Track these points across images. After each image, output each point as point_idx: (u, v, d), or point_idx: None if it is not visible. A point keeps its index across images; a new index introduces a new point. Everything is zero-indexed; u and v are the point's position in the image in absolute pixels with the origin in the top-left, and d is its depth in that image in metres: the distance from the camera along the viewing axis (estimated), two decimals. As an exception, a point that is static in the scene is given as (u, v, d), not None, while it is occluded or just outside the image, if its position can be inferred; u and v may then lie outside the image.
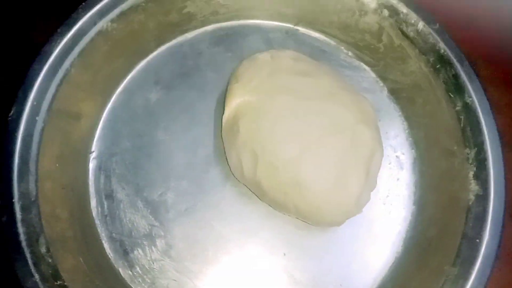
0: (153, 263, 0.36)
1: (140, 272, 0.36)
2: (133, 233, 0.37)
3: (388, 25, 0.40)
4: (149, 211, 0.38)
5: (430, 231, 0.37)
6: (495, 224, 0.33)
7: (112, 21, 0.37)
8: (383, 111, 0.42)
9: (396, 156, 0.41)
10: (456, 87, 0.37)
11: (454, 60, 0.37)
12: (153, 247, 0.37)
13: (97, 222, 0.37)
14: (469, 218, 0.34)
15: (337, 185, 0.33)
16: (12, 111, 0.33)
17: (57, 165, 0.35)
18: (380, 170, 0.36)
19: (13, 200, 0.32)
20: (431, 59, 0.38)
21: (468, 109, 0.36)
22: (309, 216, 0.35)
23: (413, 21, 0.38)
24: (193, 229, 0.37)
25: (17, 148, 0.33)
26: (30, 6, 0.46)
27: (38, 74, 0.34)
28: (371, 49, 0.42)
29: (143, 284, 0.36)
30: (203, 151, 0.39)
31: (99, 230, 0.37)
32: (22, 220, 0.31)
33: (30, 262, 0.31)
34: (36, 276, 0.31)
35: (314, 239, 0.38)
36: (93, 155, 0.39)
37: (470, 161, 0.35)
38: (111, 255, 0.37)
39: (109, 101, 0.41)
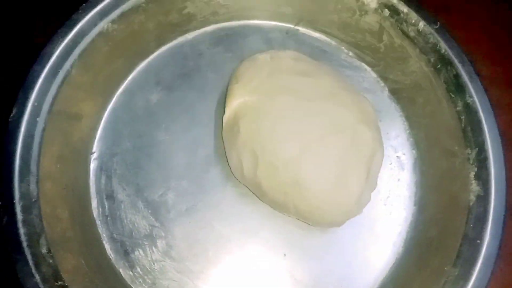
0: (153, 264, 0.36)
1: (140, 272, 0.36)
2: (133, 234, 0.37)
3: (389, 25, 0.40)
4: (149, 211, 0.38)
5: (430, 231, 0.37)
6: (496, 225, 0.33)
7: (112, 21, 0.37)
8: (383, 111, 0.42)
9: (397, 156, 0.41)
10: (457, 87, 0.37)
11: (455, 60, 0.37)
12: (153, 248, 0.37)
13: (98, 222, 0.37)
14: (470, 218, 0.34)
15: (338, 185, 0.33)
16: (13, 112, 0.33)
17: (58, 165, 0.35)
18: (381, 170, 0.36)
19: (14, 201, 0.32)
20: (432, 59, 0.38)
21: (469, 109, 0.36)
22: (309, 217, 0.35)
23: (413, 21, 0.38)
24: (193, 230, 0.37)
25: (18, 149, 0.33)
26: (30, 7, 0.46)
27: (39, 75, 0.34)
28: (371, 49, 0.42)
29: (143, 285, 0.36)
30: (204, 151, 0.39)
31: (100, 230, 0.37)
32: (23, 221, 0.32)
33: (31, 262, 0.31)
34: (37, 277, 0.31)
35: (315, 239, 0.38)
36: (94, 156, 0.39)
37: (471, 161, 0.35)
38: (112, 255, 0.37)
39: (110, 101, 0.41)
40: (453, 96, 0.37)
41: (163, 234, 0.37)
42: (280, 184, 0.34)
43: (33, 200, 0.32)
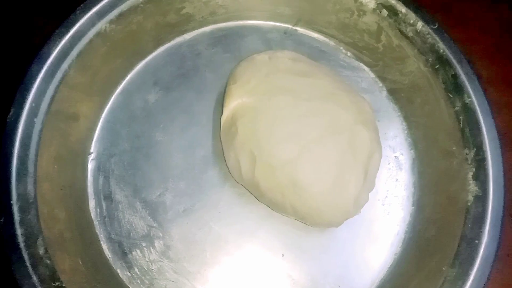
0: (151, 264, 0.36)
1: (138, 273, 0.36)
2: (131, 234, 0.37)
3: (387, 25, 0.40)
4: (147, 212, 0.38)
5: (429, 232, 0.37)
6: (494, 225, 0.33)
7: (110, 22, 0.37)
8: (382, 111, 0.42)
9: (395, 156, 0.41)
10: (455, 87, 0.37)
11: (453, 60, 0.37)
12: (151, 248, 0.37)
13: (95, 223, 0.37)
14: (468, 219, 0.34)
15: (335, 186, 0.33)
16: (10, 113, 0.33)
17: (55, 166, 0.35)
18: (379, 170, 0.36)
19: (11, 201, 0.32)
20: (430, 59, 0.38)
21: (467, 109, 0.36)
22: (307, 217, 0.35)
23: (412, 21, 0.38)
24: (191, 230, 0.37)
25: (15, 150, 0.33)
26: (29, 7, 0.46)
27: (36, 76, 0.34)
28: (370, 49, 0.42)
29: (141, 285, 0.36)
30: (202, 152, 0.39)
31: (97, 231, 0.37)
32: (20, 221, 0.32)
33: (28, 263, 0.31)
34: (34, 278, 0.31)
35: (313, 240, 0.38)
36: (91, 156, 0.39)
37: (469, 161, 0.35)
38: (110, 256, 0.37)
39: (108, 102, 0.41)
40: (451, 96, 0.37)
41: (161, 235, 0.37)
42: (278, 185, 0.34)
43: (31, 200, 0.32)
